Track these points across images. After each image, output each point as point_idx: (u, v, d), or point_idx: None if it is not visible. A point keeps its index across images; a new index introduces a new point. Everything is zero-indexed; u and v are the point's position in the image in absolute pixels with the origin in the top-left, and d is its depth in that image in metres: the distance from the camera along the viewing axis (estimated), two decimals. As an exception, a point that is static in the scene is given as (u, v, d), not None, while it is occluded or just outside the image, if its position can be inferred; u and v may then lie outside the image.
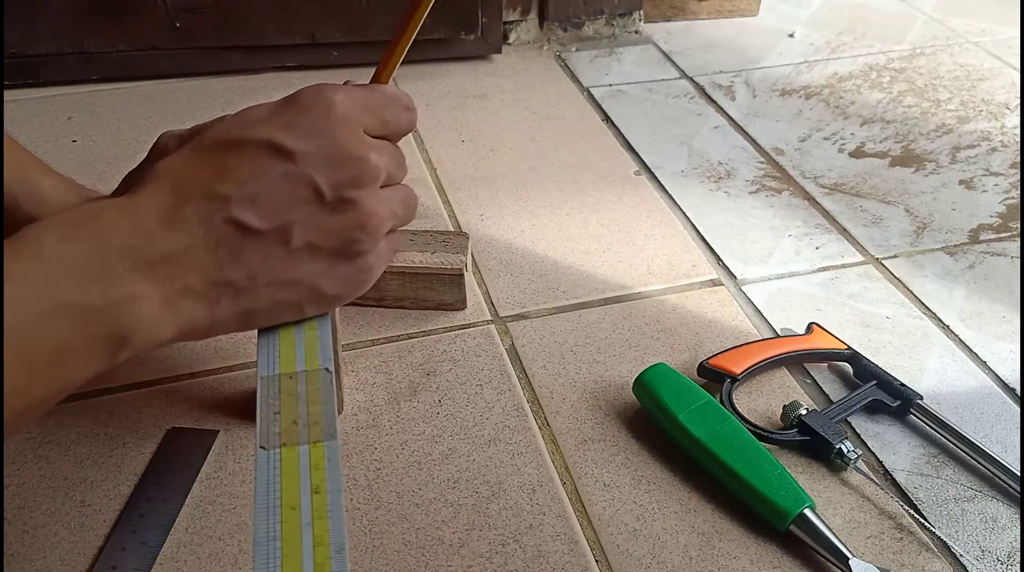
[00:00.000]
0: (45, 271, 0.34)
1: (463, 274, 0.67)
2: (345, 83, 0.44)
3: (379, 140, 0.43)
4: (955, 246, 0.78)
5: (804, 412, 0.58)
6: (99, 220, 0.36)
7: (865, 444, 0.59)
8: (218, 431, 0.58)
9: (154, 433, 0.58)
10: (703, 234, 0.79)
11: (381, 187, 0.42)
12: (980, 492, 0.56)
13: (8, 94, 0.98)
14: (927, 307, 0.71)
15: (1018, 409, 0.62)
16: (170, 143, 0.43)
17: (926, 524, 0.53)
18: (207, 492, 0.54)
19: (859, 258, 0.77)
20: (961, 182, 0.87)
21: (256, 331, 0.43)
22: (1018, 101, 1.02)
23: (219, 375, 0.62)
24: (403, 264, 0.66)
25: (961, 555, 0.52)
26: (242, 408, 0.59)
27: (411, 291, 0.67)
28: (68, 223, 0.36)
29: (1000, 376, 0.65)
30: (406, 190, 0.45)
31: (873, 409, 0.61)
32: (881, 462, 0.58)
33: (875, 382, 0.62)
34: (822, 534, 0.51)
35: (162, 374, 0.62)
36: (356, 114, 0.41)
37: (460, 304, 0.68)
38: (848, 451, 0.56)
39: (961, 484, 0.56)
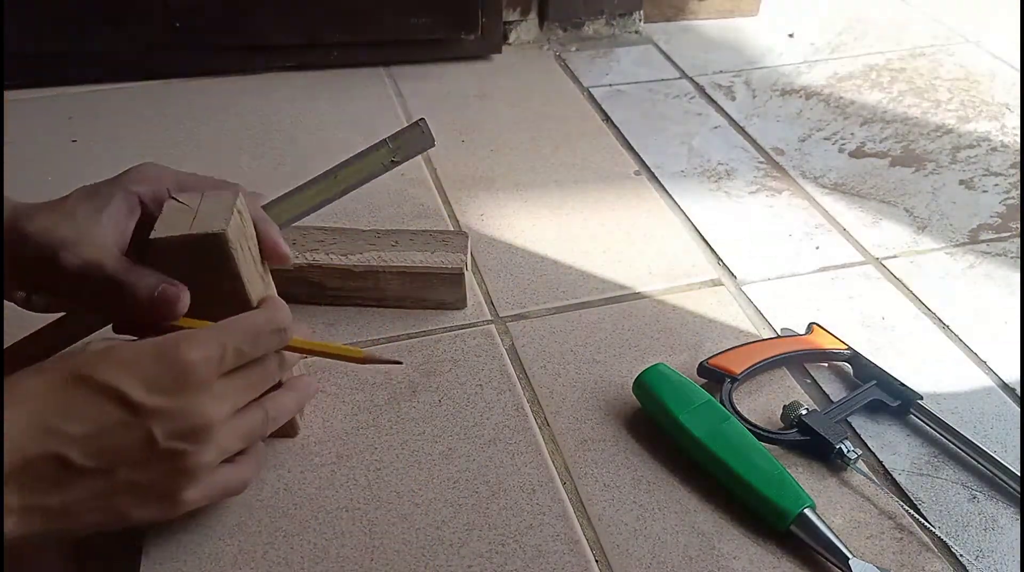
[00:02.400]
0: None
1: (463, 273, 0.67)
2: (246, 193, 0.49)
3: (236, 373, 0.45)
4: (955, 246, 0.78)
5: (804, 412, 0.58)
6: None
7: (865, 444, 0.59)
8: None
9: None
10: (703, 234, 0.79)
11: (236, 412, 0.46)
12: (980, 492, 0.56)
13: (8, 94, 0.98)
14: (927, 307, 0.71)
15: (1018, 409, 0.62)
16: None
17: (926, 524, 0.53)
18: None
19: (859, 258, 0.77)
20: (961, 182, 0.87)
21: None
22: (1018, 101, 1.02)
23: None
24: (403, 264, 0.66)
25: (961, 555, 0.52)
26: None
27: (411, 291, 0.67)
28: None
29: (1000, 376, 0.65)
30: (253, 419, 0.47)
31: (873, 409, 0.61)
32: (881, 462, 0.58)
33: (875, 382, 0.62)
34: (822, 534, 0.50)
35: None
36: (212, 371, 0.43)
37: (460, 303, 0.68)
38: (848, 451, 0.56)
39: (961, 484, 0.56)
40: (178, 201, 0.49)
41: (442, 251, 0.67)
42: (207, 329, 0.45)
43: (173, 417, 0.42)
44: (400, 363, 0.54)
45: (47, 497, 0.40)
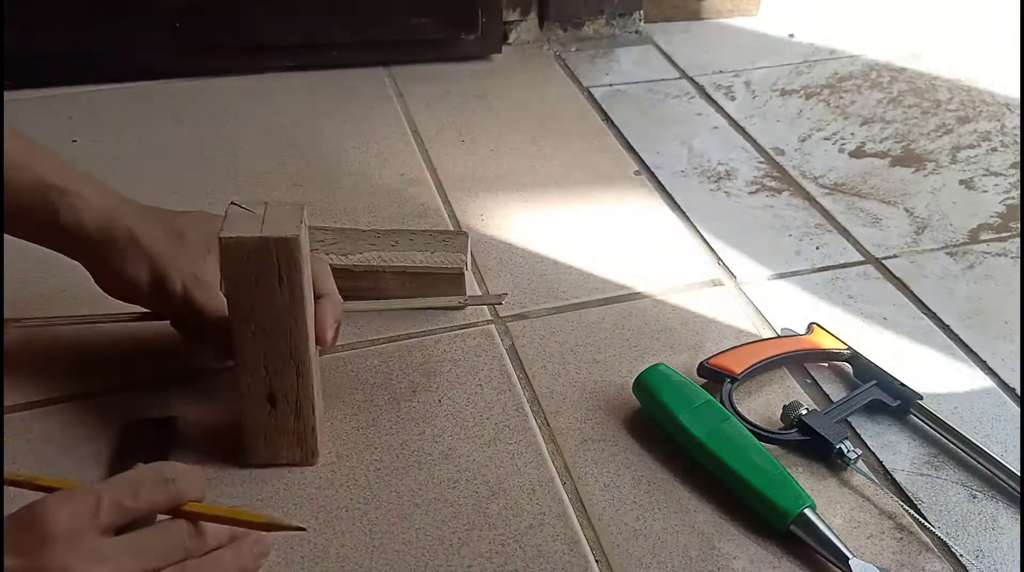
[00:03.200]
0: None
1: (463, 273, 0.67)
2: None
3: (128, 535, 0.42)
4: (955, 246, 0.78)
5: (804, 412, 0.58)
6: None
7: (865, 444, 0.59)
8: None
9: (154, 433, 0.58)
10: (703, 234, 0.79)
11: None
12: (980, 492, 0.56)
13: (8, 94, 0.98)
14: (927, 307, 0.71)
15: (1018, 409, 0.62)
16: None
17: (926, 524, 0.53)
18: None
19: (859, 258, 0.77)
20: (961, 182, 0.87)
21: None
22: (1018, 101, 1.02)
23: (220, 375, 0.62)
24: (403, 264, 0.66)
25: (961, 555, 0.52)
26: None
27: (411, 290, 0.67)
28: None
29: (1000, 376, 0.65)
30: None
31: (873, 409, 0.61)
32: (881, 462, 0.58)
33: (875, 382, 0.62)
34: (822, 534, 0.50)
35: (162, 375, 0.62)
36: (82, 524, 0.40)
37: (461, 303, 0.68)
38: (848, 451, 0.56)
39: (961, 484, 0.56)
40: (242, 207, 0.48)
41: (442, 251, 0.67)
42: (84, 486, 0.43)
43: None
44: (304, 529, 0.45)
45: None
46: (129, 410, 0.59)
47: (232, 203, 0.49)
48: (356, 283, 0.67)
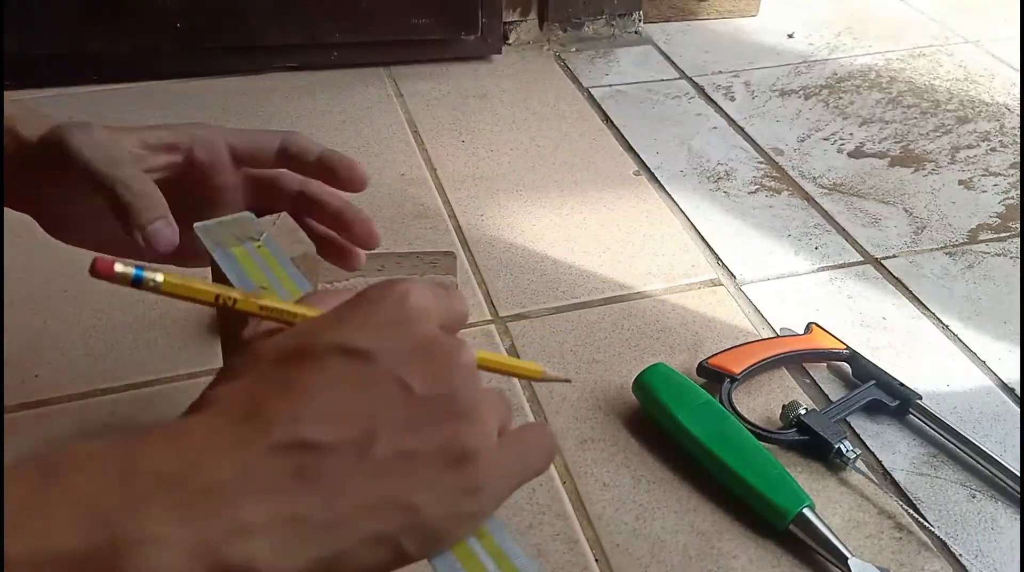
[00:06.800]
0: (47, 511, 0.27)
1: None
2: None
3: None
4: (954, 246, 0.78)
5: (803, 412, 0.58)
6: (131, 447, 0.29)
7: (864, 444, 0.59)
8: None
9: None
10: (703, 234, 0.79)
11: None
12: (979, 491, 0.56)
13: (8, 94, 0.98)
14: (926, 307, 0.71)
15: (1018, 409, 0.62)
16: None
17: (925, 524, 0.54)
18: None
19: (858, 258, 0.77)
20: (960, 182, 0.88)
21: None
22: (1018, 101, 1.02)
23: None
24: None
25: (960, 555, 0.52)
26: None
27: None
28: (94, 456, 0.29)
29: (999, 376, 0.65)
30: (496, 393, 0.36)
31: (872, 409, 0.61)
32: (880, 462, 0.58)
33: (874, 382, 0.62)
34: (821, 533, 0.51)
35: (164, 374, 0.62)
36: (430, 305, 0.34)
37: None
38: (847, 451, 0.56)
39: (960, 484, 0.57)
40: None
41: (431, 274, 0.66)
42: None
43: (418, 355, 0.32)
44: (569, 381, 0.48)
45: (300, 499, 0.29)
46: (130, 410, 0.59)
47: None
48: None
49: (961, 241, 0.79)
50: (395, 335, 0.32)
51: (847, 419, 0.60)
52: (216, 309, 0.36)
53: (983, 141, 0.95)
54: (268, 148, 0.49)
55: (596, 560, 0.51)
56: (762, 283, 0.74)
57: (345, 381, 0.31)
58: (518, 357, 0.65)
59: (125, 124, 0.49)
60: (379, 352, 0.32)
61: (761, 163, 0.90)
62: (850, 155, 0.92)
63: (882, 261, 0.76)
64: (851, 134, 0.96)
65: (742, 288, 0.73)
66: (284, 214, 0.48)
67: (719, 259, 0.76)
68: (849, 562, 0.49)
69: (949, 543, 0.53)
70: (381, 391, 0.31)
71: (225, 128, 0.50)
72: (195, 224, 0.44)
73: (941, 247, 0.78)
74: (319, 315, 0.35)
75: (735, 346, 0.64)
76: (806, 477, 0.56)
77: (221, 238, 0.43)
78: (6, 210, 0.50)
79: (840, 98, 1.03)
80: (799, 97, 1.03)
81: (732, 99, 1.02)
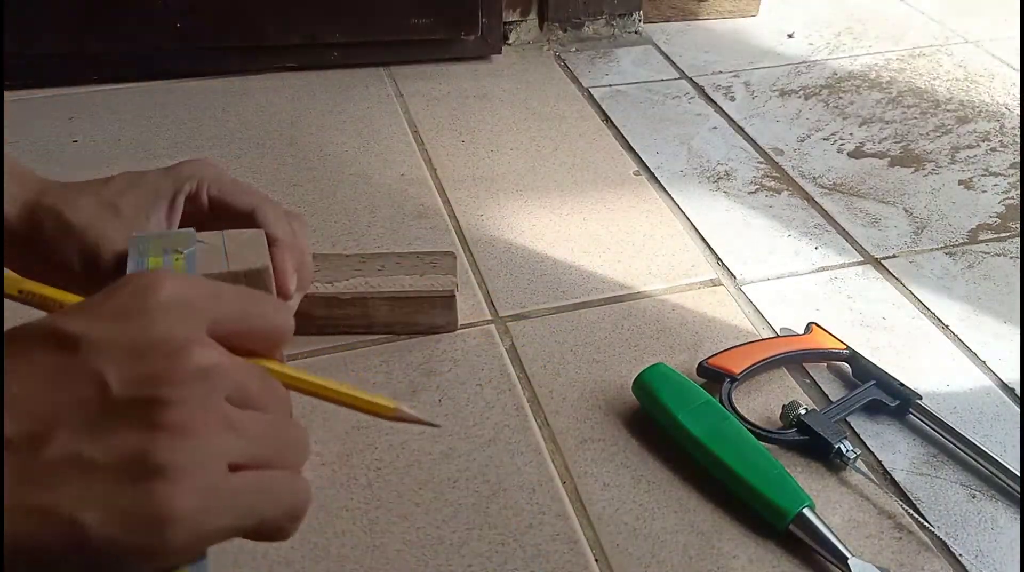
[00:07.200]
0: None
1: (454, 296, 0.66)
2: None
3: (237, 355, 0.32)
4: (954, 246, 0.78)
5: (803, 412, 0.58)
6: None
7: (864, 444, 0.59)
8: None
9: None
10: (703, 234, 0.79)
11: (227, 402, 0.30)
12: (979, 491, 0.56)
13: (8, 94, 0.98)
14: (926, 307, 0.71)
15: (1018, 409, 0.62)
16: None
17: (925, 524, 0.54)
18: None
19: (858, 258, 0.77)
20: (960, 182, 0.88)
21: None
22: (1018, 101, 1.02)
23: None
24: (392, 289, 0.65)
25: (960, 555, 0.52)
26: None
27: (401, 316, 0.66)
28: None
29: (999, 376, 0.65)
30: (283, 426, 0.32)
31: (872, 409, 0.61)
32: (880, 462, 0.58)
33: (874, 382, 0.62)
34: (821, 533, 0.51)
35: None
36: (194, 299, 0.31)
37: (451, 326, 0.67)
38: (847, 451, 0.56)
39: (960, 484, 0.57)
40: (198, 241, 0.46)
41: (431, 273, 0.66)
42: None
43: (132, 351, 0.29)
44: (438, 426, 0.47)
45: None
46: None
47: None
48: (344, 311, 0.65)
49: (961, 241, 0.79)
50: (113, 327, 0.29)
51: (847, 419, 0.60)
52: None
53: (983, 141, 0.95)
54: (241, 207, 0.50)
55: (596, 560, 0.51)
56: (762, 283, 0.74)
57: (39, 370, 0.28)
58: (518, 357, 0.65)
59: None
60: (86, 342, 0.28)
61: (761, 163, 0.90)
62: (850, 155, 0.92)
63: (882, 261, 0.76)
64: (851, 134, 0.96)
65: (742, 288, 0.73)
66: (260, 230, 0.48)
67: (719, 259, 0.76)
68: (849, 562, 0.49)
69: (949, 543, 0.53)
70: (72, 385, 0.28)
71: (211, 168, 0.51)
72: (133, 234, 0.45)
73: (941, 247, 0.78)
74: (77, 302, 0.32)
75: (735, 346, 0.64)
76: (806, 477, 0.56)
77: (148, 249, 0.44)
78: None
79: (840, 98, 1.03)
80: (799, 97, 1.03)
81: (732, 99, 1.02)
